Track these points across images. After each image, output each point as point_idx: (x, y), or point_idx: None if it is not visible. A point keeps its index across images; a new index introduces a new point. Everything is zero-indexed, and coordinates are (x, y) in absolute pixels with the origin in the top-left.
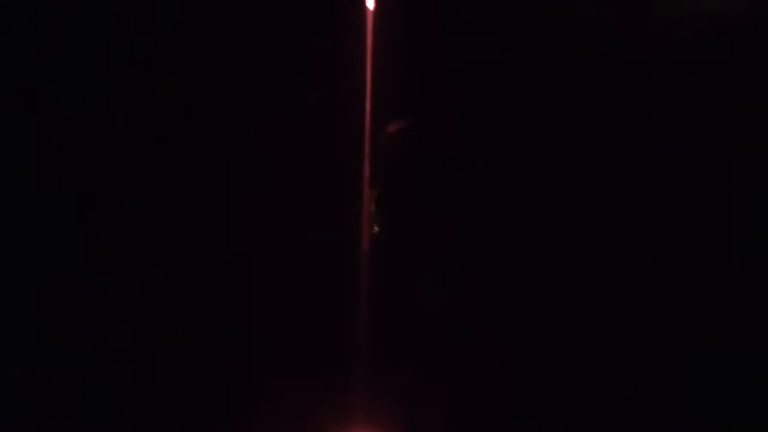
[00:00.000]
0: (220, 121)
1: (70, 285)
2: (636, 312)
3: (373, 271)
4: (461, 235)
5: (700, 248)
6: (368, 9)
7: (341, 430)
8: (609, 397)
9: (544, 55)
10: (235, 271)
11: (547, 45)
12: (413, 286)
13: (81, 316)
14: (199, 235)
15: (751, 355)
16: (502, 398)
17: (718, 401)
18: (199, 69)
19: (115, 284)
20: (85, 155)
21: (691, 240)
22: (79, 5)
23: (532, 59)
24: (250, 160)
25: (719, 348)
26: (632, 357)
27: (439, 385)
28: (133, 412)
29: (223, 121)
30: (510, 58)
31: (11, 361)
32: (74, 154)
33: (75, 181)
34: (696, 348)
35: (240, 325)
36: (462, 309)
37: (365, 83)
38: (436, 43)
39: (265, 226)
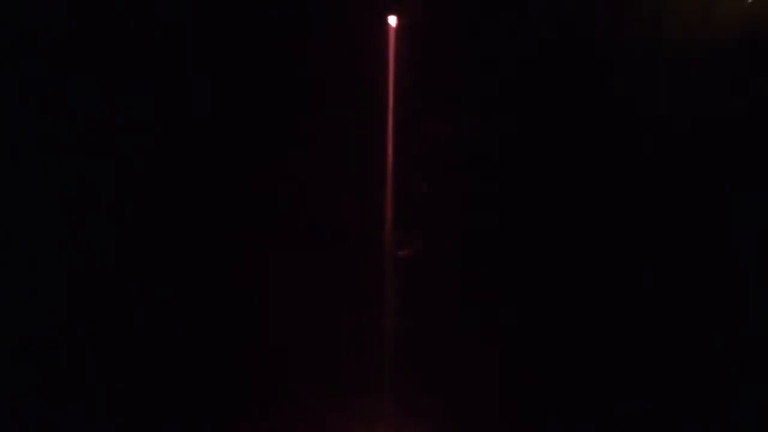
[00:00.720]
0: (249, 137)
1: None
2: (642, 314)
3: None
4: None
5: (700, 249)
6: (390, 26)
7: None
8: (624, 398)
9: (561, 72)
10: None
11: (563, 61)
12: (438, 292)
13: (103, 313)
14: (224, 239)
15: (751, 356)
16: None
17: (719, 401)
18: (229, 86)
19: (131, 285)
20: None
21: (691, 241)
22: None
23: (549, 76)
24: (276, 171)
25: (719, 348)
26: (640, 358)
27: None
28: (146, 412)
29: (251, 136)
30: (528, 74)
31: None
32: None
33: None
34: (696, 348)
35: (262, 330)
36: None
37: (388, 97)
38: (455, 59)
39: (289, 230)
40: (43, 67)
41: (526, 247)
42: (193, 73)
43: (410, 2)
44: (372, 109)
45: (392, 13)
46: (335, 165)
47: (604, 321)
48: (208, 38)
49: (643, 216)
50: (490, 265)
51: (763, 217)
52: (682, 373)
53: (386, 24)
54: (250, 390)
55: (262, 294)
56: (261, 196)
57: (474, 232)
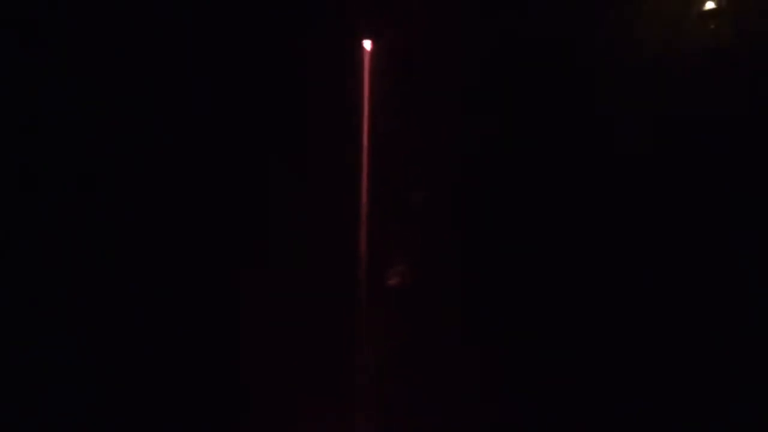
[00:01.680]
0: (219, 163)
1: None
2: (639, 314)
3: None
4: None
5: (699, 250)
6: (365, 50)
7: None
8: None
9: (542, 99)
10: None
11: (544, 87)
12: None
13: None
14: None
15: (751, 356)
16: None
17: (718, 401)
18: (205, 102)
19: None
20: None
21: (691, 241)
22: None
23: (530, 104)
24: (248, 198)
25: (719, 348)
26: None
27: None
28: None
29: (224, 155)
30: (507, 101)
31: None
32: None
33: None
34: (696, 348)
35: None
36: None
37: (362, 120)
38: (430, 81)
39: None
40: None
41: (520, 268)
42: (157, 101)
43: (386, 27)
44: (346, 134)
45: (368, 37)
46: (305, 192)
47: (598, 337)
48: (175, 64)
49: (639, 222)
50: (482, 291)
51: (760, 218)
52: (682, 373)
53: (361, 48)
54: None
55: (225, 319)
56: (229, 217)
57: (462, 254)
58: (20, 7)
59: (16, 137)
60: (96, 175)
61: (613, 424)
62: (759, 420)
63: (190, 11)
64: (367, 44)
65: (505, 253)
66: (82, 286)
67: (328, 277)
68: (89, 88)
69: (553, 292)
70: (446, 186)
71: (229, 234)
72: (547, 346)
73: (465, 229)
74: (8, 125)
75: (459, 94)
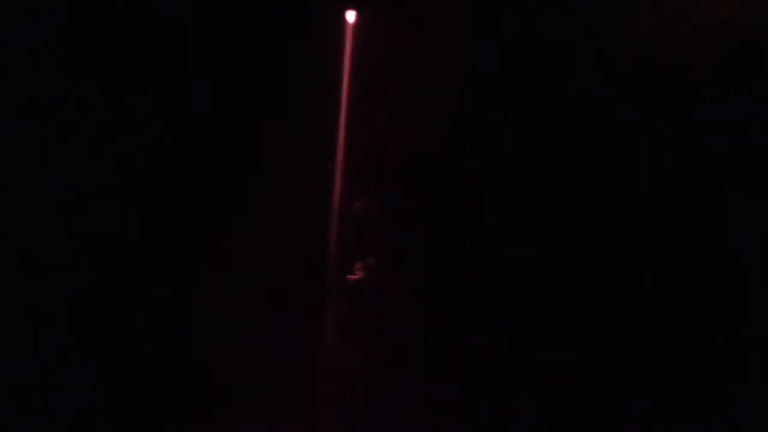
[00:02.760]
0: (189, 136)
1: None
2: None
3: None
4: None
5: (699, 250)
6: (348, 23)
7: None
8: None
9: (531, 76)
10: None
11: (534, 63)
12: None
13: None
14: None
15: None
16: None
17: (718, 401)
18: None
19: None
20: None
21: (691, 241)
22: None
23: (522, 79)
24: (212, 176)
25: (718, 348)
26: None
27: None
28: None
29: (203, 130)
30: (498, 77)
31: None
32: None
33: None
34: (695, 348)
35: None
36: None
37: (340, 98)
38: (419, 61)
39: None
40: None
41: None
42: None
43: None
44: (323, 114)
45: (350, 7)
46: (278, 170)
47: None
48: (159, 31)
49: (639, 221)
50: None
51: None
52: (682, 373)
53: (343, 20)
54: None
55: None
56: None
57: (432, 248)
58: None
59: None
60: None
61: (612, 424)
62: (758, 420)
63: None
64: (350, 16)
65: (488, 244)
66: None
67: (298, 272)
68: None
69: (541, 291)
70: (427, 175)
71: (194, 227)
72: (536, 344)
73: (445, 221)
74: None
75: (451, 75)
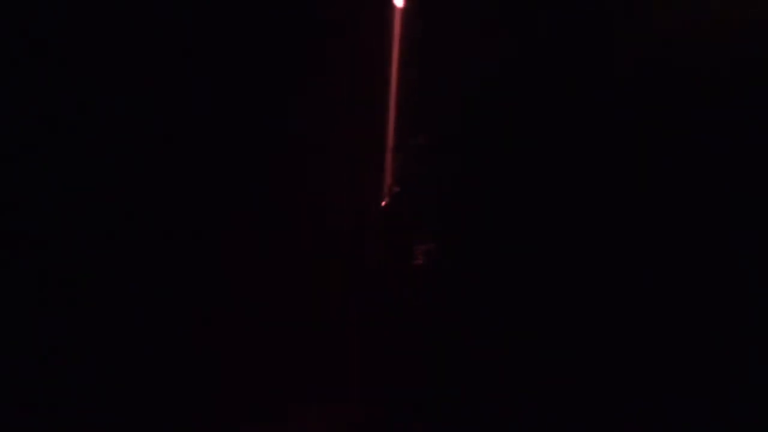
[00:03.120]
0: (234, 121)
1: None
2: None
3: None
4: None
5: (698, 250)
6: (396, 7)
7: None
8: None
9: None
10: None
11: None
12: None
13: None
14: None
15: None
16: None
17: (718, 401)
18: (214, 67)
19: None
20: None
21: (690, 242)
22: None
23: (571, 70)
24: (263, 159)
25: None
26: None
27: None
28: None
29: (238, 120)
30: (537, 60)
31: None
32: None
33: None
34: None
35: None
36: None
37: (389, 86)
38: (470, 52)
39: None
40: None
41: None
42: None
43: None
44: (370, 107)
45: None
46: (325, 160)
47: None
48: (199, 19)
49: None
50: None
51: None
52: (682, 373)
53: (391, 5)
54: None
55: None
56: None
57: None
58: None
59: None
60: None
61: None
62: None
63: None
64: (399, 0)
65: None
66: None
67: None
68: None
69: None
70: (479, 166)
71: (230, 216)
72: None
73: (493, 209)
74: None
75: (505, 67)
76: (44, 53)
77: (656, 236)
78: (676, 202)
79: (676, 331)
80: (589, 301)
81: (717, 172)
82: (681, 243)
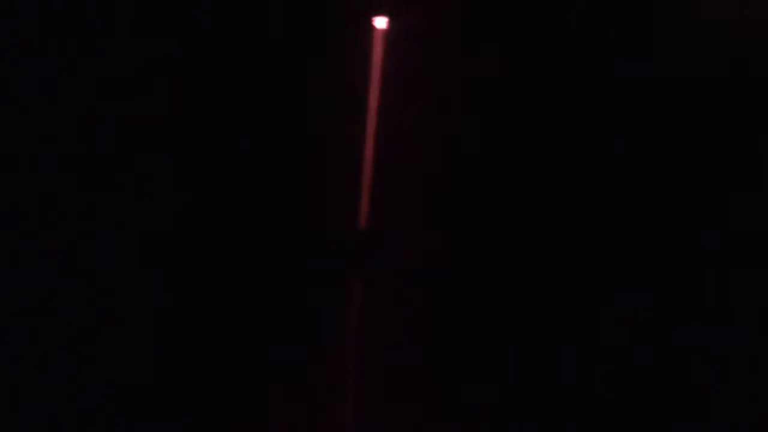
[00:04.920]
0: (213, 141)
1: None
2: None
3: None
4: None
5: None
6: (377, 29)
7: None
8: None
9: (556, 79)
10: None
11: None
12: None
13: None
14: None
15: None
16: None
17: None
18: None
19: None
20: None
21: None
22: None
23: (545, 83)
24: (240, 178)
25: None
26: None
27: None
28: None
29: (217, 140)
30: (524, 84)
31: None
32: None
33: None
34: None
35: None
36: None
37: (368, 118)
38: (457, 70)
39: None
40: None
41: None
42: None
43: (405, 1)
44: (348, 133)
45: (381, 13)
46: (299, 196)
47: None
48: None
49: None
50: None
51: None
52: (682, 373)
53: (372, 27)
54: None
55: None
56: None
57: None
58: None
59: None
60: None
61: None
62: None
63: None
64: (381, 23)
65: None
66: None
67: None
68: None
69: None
70: (464, 189)
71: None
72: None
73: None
74: None
75: (490, 87)
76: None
77: (636, 235)
78: (650, 201)
79: (674, 332)
80: (569, 301)
81: (699, 172)
82: (666, 243)
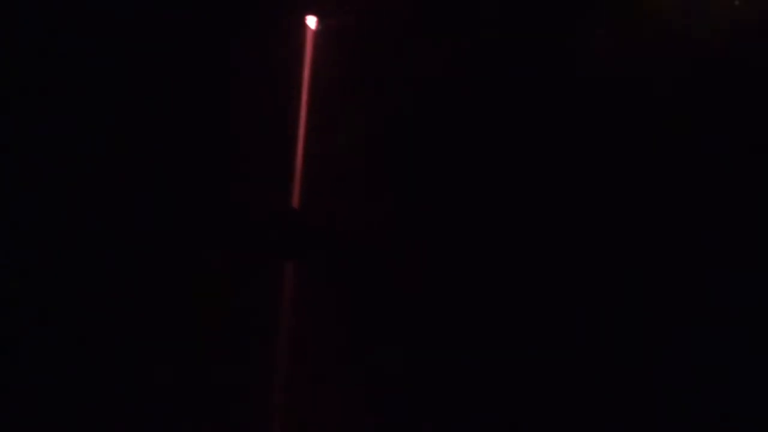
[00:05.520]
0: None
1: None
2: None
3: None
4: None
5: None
6: (309, 28)
7: None
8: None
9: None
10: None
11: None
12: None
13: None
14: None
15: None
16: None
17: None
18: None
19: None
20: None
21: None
22: None
23: (502, 95)
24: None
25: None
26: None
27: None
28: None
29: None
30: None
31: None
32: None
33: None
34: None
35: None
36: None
37: (299, 120)
38: (391, 71)
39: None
40: None
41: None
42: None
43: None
44: (279, 137)
45: (312, 12)
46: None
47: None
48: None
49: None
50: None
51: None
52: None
53: (304, 26)
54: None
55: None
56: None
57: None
58: None
59: None
60: None
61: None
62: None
63: None
64: (312, 22)
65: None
66: None
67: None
68: None
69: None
70: (396, 196)
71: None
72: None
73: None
74: None
75: (423, 88)
76: None
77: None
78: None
79: (673, 332)
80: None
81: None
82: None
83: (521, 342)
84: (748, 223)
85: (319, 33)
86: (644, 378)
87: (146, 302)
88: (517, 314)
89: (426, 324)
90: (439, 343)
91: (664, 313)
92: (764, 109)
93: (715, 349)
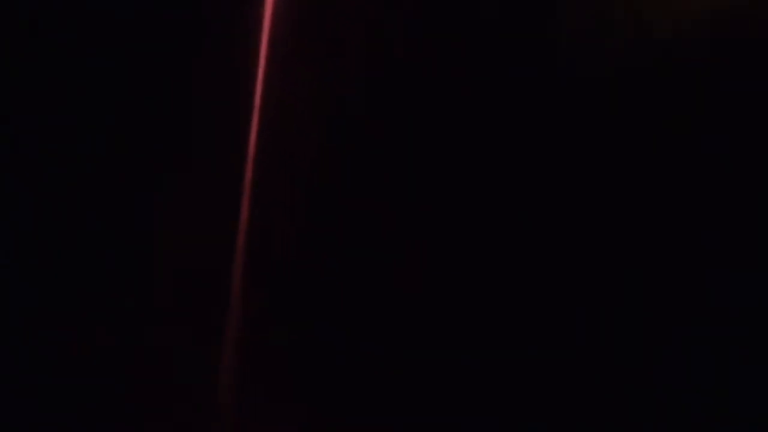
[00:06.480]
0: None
1: None
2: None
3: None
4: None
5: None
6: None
7: None
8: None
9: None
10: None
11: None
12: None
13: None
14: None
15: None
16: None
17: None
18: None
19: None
20: None
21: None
22: None
23: (467, 75)
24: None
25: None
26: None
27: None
28: None
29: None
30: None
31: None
32: None
33: None
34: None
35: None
36: None
37: (254, 93)
38: (353, 46)
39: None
40: None
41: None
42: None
43: None
44: (234, 106)
45: None
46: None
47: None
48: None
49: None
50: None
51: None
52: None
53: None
54: None
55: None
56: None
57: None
58: None
59: None
60: None
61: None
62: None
63: None
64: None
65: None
66: None
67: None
68: None
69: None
70: (352, 171)
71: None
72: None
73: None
74: None
75: (386, 66)
76: None
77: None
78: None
79: (673, 332)
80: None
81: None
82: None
83: (521, 342)
84: (748, 223)
85: (277, 4)
86: (644, 378)
87: None
88: (517, 314)
89: (419, 323)
90: (439, 343)
91: (664, 313)
92: (764, 110)
93: (715, 349)
